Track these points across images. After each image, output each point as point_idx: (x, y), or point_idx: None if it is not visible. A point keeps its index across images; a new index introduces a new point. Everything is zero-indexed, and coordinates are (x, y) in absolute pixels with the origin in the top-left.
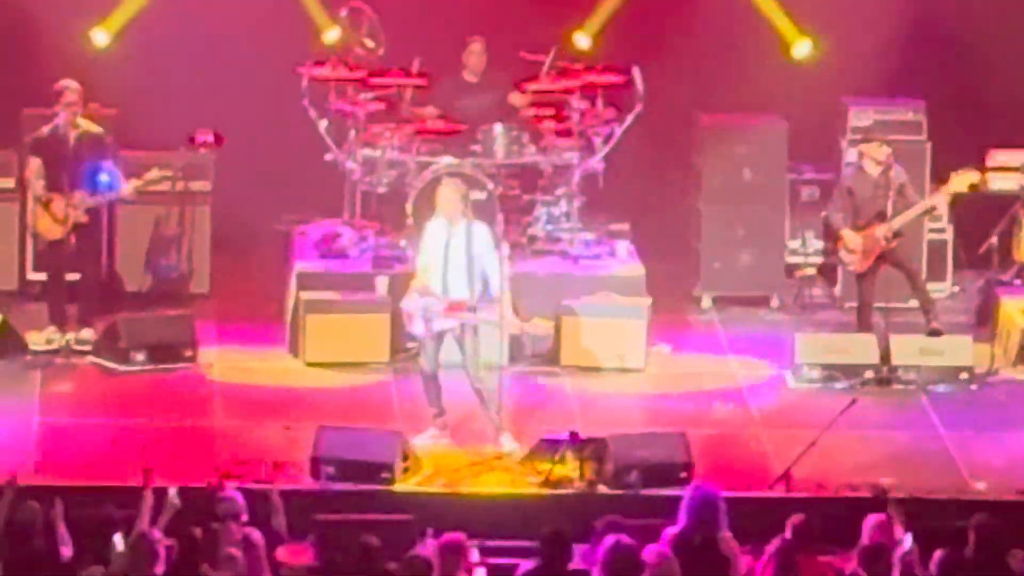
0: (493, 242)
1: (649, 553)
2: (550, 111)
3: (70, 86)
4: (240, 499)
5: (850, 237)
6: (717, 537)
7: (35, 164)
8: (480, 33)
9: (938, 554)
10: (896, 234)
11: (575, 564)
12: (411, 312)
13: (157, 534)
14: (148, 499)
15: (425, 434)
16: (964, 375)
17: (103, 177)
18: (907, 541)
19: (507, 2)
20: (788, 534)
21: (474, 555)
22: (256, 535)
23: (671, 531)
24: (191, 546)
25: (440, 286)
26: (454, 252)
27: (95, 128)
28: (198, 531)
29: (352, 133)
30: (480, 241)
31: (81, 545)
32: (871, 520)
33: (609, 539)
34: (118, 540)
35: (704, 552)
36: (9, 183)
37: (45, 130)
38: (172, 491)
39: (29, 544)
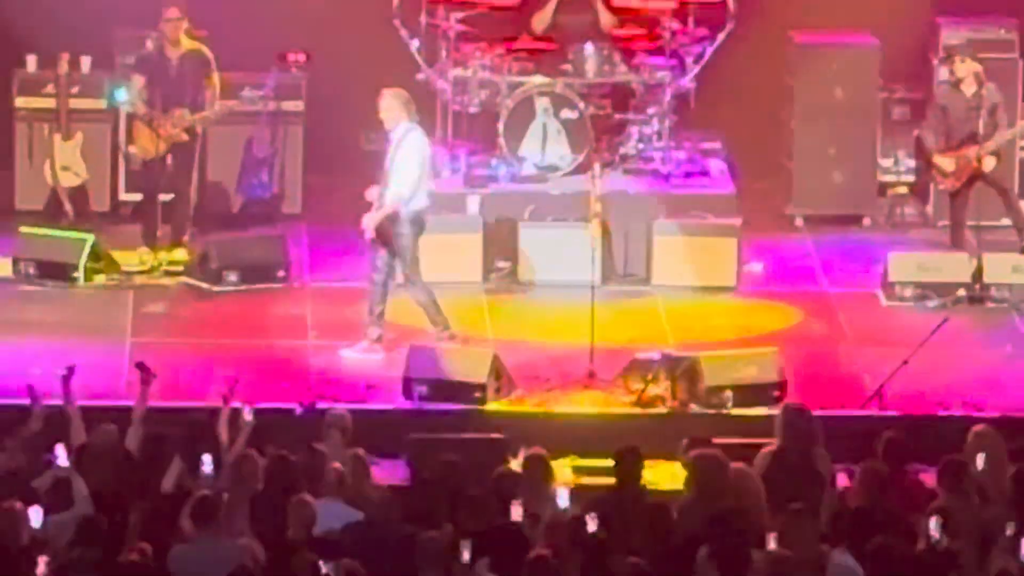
0: (416, 149)
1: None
2: (642, 30)
3: (172, 6)
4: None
5: (942, 162)
6: (811, 454)
7: (138, 82)
8: None
9: (1012, 470)
10: (992, 154)
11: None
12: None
13: (257, 455)
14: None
15: (357, 346)
16: None
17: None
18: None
19: None
20: (880, 452)
21: (565, 473)
22: (361, 453)
23: (765, 450)
24: (284, 467)
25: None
26: (387, 157)
27: (198, 46)
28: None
29: (443, 52)
30: (409, 143)
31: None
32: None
33: (695, 452)
34: (207, 460)
35: (798, 470)
36: (100, 104)
37: (149, 47)
38: (247, 410)
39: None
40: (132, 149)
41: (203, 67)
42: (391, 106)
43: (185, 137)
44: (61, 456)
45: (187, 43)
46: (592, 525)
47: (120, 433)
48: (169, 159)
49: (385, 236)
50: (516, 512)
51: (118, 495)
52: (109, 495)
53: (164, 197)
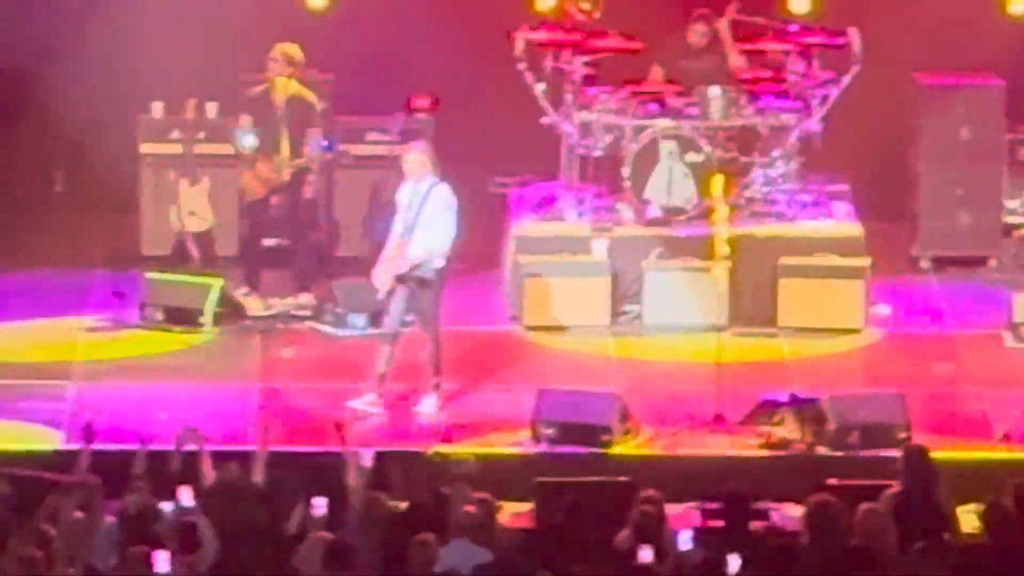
0: (449, 204)
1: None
2: (767, 73)
3: (279, 51)
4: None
5: None
6: (934, 495)
7: (245, 123)
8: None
9: None
10: None
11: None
12: (376, 283)
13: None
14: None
15: (362, 399)
16: None
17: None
18: None
19: None
20: (1009, 493)
21: (692, 517)
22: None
23: (889, 491)
24: (418, 510)
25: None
26: (412, 210)
27: (306, 93)
28: (423, 495)
29: (568, 97)
30: (434, 202)
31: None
32: None
33: (815, 497)
34: (320, 503)
35: (922, 511)
36: (226, 149)
37: (256, 91)
38: (366, 453)
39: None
40: (242, 187)
41: (306, 112)
42: (422, 160)
43: (287, 179)
44: (186, 498)
45: (292, 88)
46: (734, 566)
47: (246, 475)
48: (274, 201)
49: (411, 291)
50: (645, 555)
51: (243, 537)
52: (235, 537)
53: (270, 242)
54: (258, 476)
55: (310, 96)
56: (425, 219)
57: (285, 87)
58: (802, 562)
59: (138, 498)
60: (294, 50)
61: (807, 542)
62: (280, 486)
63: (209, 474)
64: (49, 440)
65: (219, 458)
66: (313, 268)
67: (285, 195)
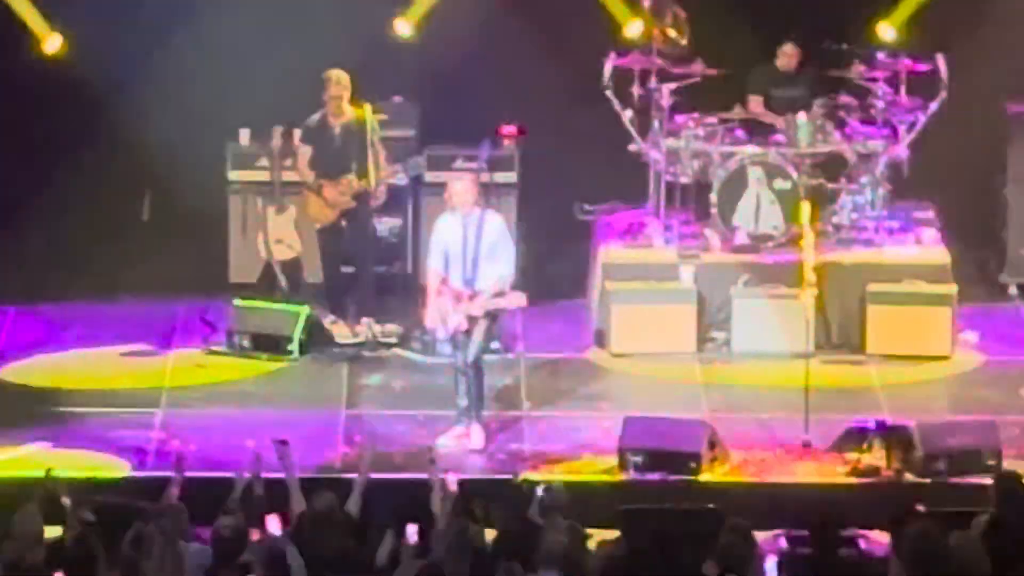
0: (506, 229)
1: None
2: (855, 100)
3: (332, 77)
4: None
5: None
6: None
7: (304, 152)
8: (791, 24)
9: None
10: None
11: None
12: (431, 325)
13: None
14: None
15: (449, 433)
16: None
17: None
18: None
19: None
20: None
21: (780, 544)
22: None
23: (980, 519)
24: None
25: (456, 278)
26: (469, 244)
27: (361, 115)
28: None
29: (656, 123)
30: (491, 236)
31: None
32: None
33: (914, 527)
34: (411, 531)
35: (1014, 539)
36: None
37: (313, 119)
38: (451, 479)
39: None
40: (309, 215)
41: (365, 135)
42: (470, 190)
43: (352, 204)
44: (273, 526)
45: (350, 112)
46: None
47: (339, 503)
48: (344, 224)
49: (487, 323)
50: None
51: (333, 566)
52: (324, 566)
53: (348, 269)
54: (354, 506)
55: (368, 117)
56: (487, 250)
57: (340, 109)
58: None
59: (231, 524)
60: (340, 74)
61: (899, 571)
62: (368, 514)
63: (299, 502)
64: (132, 468)
65: (306, 485)
66: (371, 298)
67: (351, 221)
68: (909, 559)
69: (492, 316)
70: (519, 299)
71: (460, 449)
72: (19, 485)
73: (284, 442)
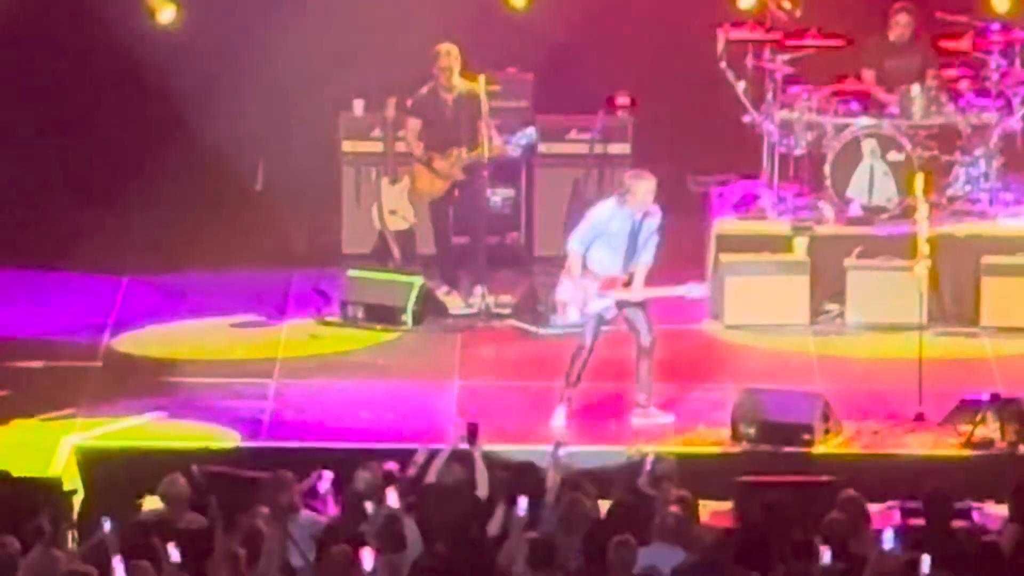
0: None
1: None
2: (969, 72)
3: (442, 50)
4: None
5: None
6: None
7: (414, 125)
8: None
9: None
10: None
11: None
12: (565, 300)
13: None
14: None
15: (558, 412)
16: None
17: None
18: None
19: None
20: None
21: (894, 516)
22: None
23: None
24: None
25: (612, 266)
26: (634, 237)
27: (472, 87)
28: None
29: (769, 95)
30: (649, 229)
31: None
32: None
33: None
34: (522, 504)
35: None
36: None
37: (423, 91)
38: (560, 449)
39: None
40: (418, 188)
41: (477, 107)
42: (653, 192)
43: (462, 176)
44: (392, 498)
45: (461, 84)
46: (925, 567)
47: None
48: (457, 194)
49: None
50: (826, 556)
51: (448, 537)
52: (439, 536)
53: (461, 239)
54: (482, 485)
55: (479, 90)
56: (643, 243)
57: (449, 82)
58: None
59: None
60: (449, 47)
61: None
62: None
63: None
64: (247, 438)
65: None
66: (484, 265)
67: (462, 193)
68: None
69: (638, 305)
70: (702, 289)
71: (655, 426)
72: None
73: (475, 426)
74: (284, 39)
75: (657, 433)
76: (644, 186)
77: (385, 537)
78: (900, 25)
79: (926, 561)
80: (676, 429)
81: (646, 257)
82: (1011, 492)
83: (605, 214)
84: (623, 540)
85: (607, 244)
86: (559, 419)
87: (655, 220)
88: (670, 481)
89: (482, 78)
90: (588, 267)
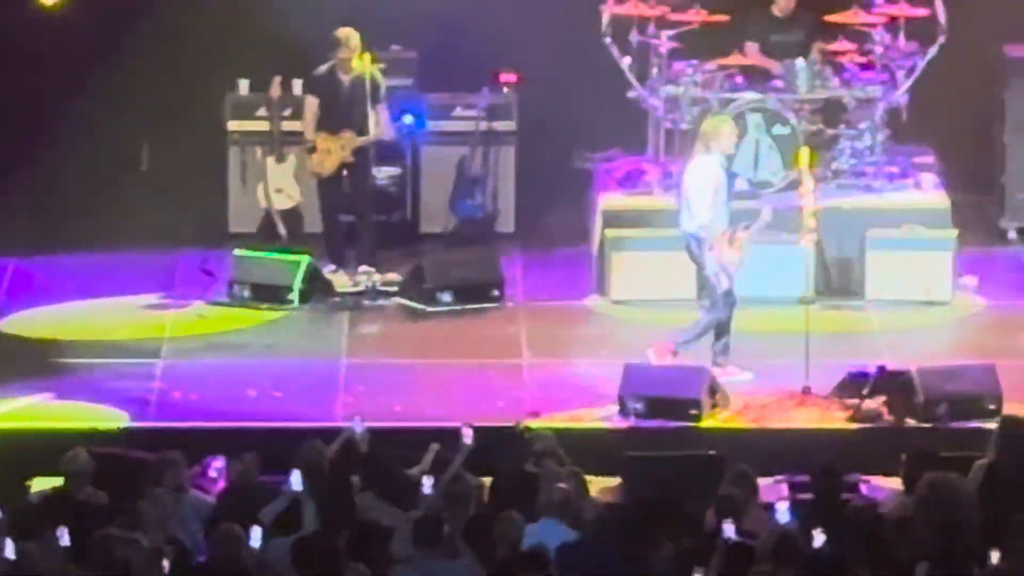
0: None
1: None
2: (854, 45)
3: (343, 37)
4: (554, 438)
5: None
6: None
7: (311, 103)
8: None
9: None
10: None
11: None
12: (716, 272)
13: (470, 476)
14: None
15: (731, 376)
16: None
17: (407, 119)
18: None
19: None
20: None
21: (781, 490)
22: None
23: (980, 462)
24: (504, 487)
25: (725, 226)
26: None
27: (373, 72)
28: (512, 472)
29: (655, 70)
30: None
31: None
32: None
33: (928, 475)
34: (427, 483)
35: (1014, 483)
36: (299, 125)
37: (322, 69)
38: (466, 431)
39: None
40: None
41: (372, 91)
42: (736, 133)
43: (351, 159)
44: (296, 481)
45: (360, 67)
46: (818, 540)
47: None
48: (346, 175)
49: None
50: (728, 530)
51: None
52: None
53: (348, 218)
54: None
55: (378, 74)
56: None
57: (348, 66)
58: (905, 535)
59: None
60: (348, 33)
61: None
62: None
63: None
64: (135, 419)
65: (304, 435)
66: (373, 246)
67: (350, 171)
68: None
69: None
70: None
71: (739, 382)
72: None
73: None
74: (169, 20)
75: (548, 407)
76: (728, 127)
77: (283, 519)
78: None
79: (819, 536)
80: (564, 404)
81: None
82: (903, 464)
83: (710, 172)
84: (509, 516)
85: (719, 200)
86: (741, 375)
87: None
88: (551, 457)
89: (367, 56)
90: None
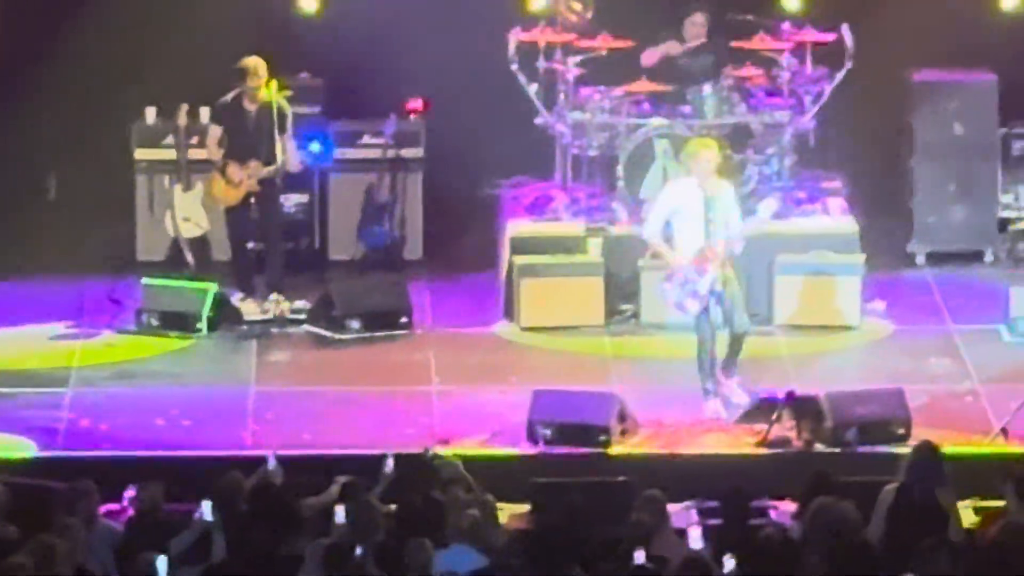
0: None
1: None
2: (761, 71)
3: (250, 67)
4: (461, 465)
5: None
6: (936, 493)
7: (215, 131)
8: None
9: None
10: None
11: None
12: (679, 301)
13: (377, 503)
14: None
15: (710, 408)
16: None
17: (314, 146)
18: None
19: None
20: (1008, 489)
21: (692, 516)
22: (491, 499)
23: (889, 487)
24: (411, 514)
25: (696, 247)
26: (712, 209)
27: (279, 101)
28: (418, 499)
29: (562, 97)
30: (730, 198)
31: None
32: None
33: (817, 501)
34: (339, 512)
35: (923, 509)
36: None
37: (228, 98)
38: (388, 460)
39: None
40: (213, 195)
41: (280, 121)
42: (716, 160)
43: (257, 188)
44: (206, 510)
45: (266, 95)
46: (728, 565)
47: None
48: (252, 203)
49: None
50: (639, 557)
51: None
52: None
53: (256, 246)
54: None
55: (284, 104)
56: (724, 215)
57: (255, 96)
58: (802, 559)
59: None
60: (255, 62)
61: (806, 538)
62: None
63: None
64: (42, 448)
65: (214, 463)
66: (281, 274)
67: (258, 199)
68: (813, 528)
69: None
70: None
71: (731, 414)
72: None
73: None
74: (76, 48)
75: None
76: (706, 152)
77: (192, 549)
78: (695, 25)
79: (729, 561)
80: (473, 431)
81: (735, 231)
82: (803, 491)
83: (673, 190)
84: (420, 543)
85: (684, 221)
86: (716, 410)
87: (728, 193)
88: (458, 484)
89: (274, 84)
90: (677, 250)
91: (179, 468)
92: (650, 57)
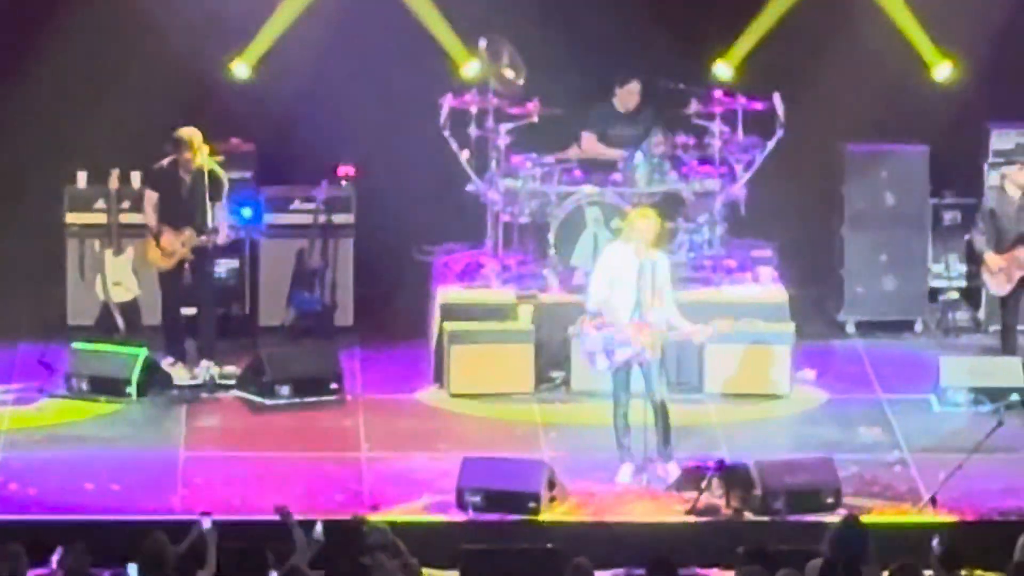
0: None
1: None
2: (693, 139)
3: (185, 138)
4: (389, 531)
5: (993, 259)
6: (861, 569)
7: (151, 196)
8: (627, 64)
9: None
10: None
11: None
12: (592, 350)
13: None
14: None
15: (623, 472)
16: None
17: (245, 212)
18: None
19: (652, 36)
20: (936, 558)
21: None
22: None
23: (813, 563)
24: None
25: (628, 312)
26: (644, 279)
27: (214, 168)
28: (346, 564)
29: (493, 163)
30: (664, 268)
31: None
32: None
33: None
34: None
35: None
36: (137, 218)
37: (163, 164)
38: (318, 526)
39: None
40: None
41: (214, 188)
42: (653, 229)
43: (191, 256)
44: (133, 573)
45: (202, 163)
46: None
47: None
48: (186, 270)
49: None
50: None
51: None
52: None
53: (189, 311)
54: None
55: (220, 172)
56: (658, 287)
57: (190, 165)
58: None
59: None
60: (191, 133)
61: None
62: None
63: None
64: None
65: (143, 528)
66: (213, 340)
67: (191, 265)
68: None
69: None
70: (705, 331)
71: (644, 488)
72: None
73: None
74: (6, 111)
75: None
76: (643, 222)
77: None
78: (628, 93)
79: None
80: (403, 497)
81: (669, 298)
82: (737, 559)
83: (613, 256)
84: None
85: (617, 288)
86: (625, 476)
87: (663, 263)
88: (385, 550)
89: (206, 149)
90: (604, 315)
91: (107, 532)
92: (589, 142)
